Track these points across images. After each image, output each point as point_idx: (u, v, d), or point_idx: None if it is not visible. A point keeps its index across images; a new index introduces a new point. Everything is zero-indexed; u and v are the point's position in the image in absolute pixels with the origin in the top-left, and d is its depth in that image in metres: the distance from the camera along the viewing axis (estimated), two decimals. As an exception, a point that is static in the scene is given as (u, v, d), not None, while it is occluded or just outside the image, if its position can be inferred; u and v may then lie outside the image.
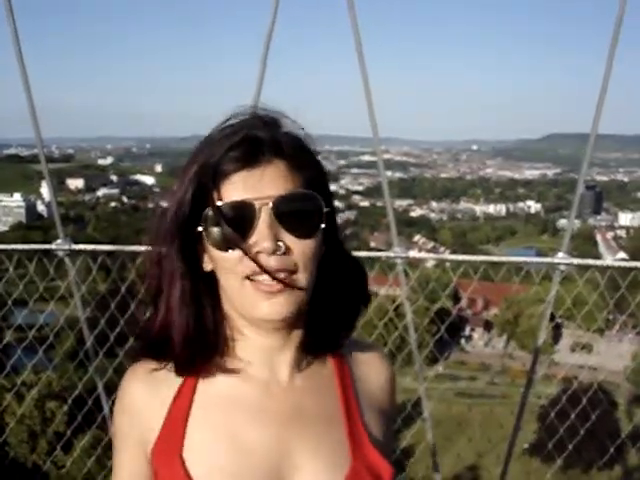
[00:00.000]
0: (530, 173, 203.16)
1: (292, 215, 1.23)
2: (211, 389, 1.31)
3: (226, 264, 1.24)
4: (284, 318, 1.25)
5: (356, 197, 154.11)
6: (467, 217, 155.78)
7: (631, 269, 4.02)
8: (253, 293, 1.23)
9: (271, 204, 1.21)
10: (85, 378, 4.56)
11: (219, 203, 1.21)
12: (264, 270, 1.20)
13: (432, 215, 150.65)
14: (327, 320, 1.35)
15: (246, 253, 1.21)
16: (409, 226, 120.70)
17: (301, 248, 1.24)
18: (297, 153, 1.27)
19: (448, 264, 4.44)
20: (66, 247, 3.87)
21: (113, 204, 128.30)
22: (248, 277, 1.23)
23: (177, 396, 1.30)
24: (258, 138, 1.24)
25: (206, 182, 1.22)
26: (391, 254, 3.92)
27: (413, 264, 4.96)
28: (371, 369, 1.44)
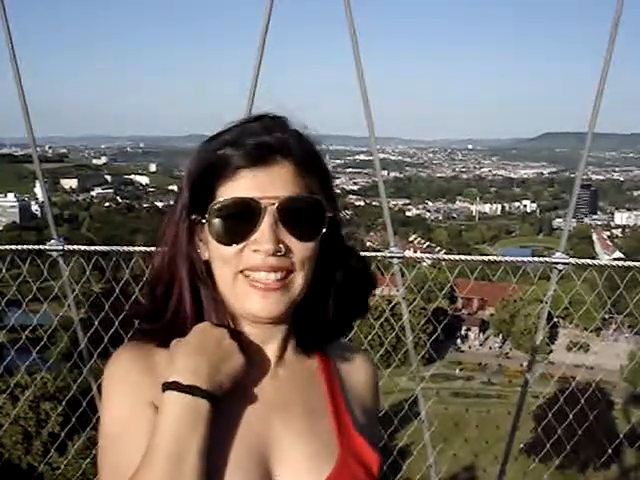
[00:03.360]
0: (525, 172, 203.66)
1: (295, 217, 1.25)
2: None
3: (224, 257, 1.26)
4: (274, 316, 1.27)
5: (352, 197, 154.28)
6: (463, 217, 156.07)
7: (628, 268, 4.01)
8: (246, 288, 1.25)
9: (277, 204, 1.23)
10: (79, 380, 4.53)
11: (225, 197, 1.24)
12: (260, 267, 1.23)
13: (428, 214, 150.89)
14: (317, 318, 1.36)
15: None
16: (405, 226, 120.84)
17: (300, 250, 1.26)
18: (305, 156, 1.29)
19: (444, 264, 4.41)
20: (59, 247, 3.84)
21: (107, 204, 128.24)
22: (242, 271, 1.25)
23: None
24: (269, 138, 1.26)
25: (213, 174, 1.25)
26: (387, 254, 3.90)
27: (409, 264, 4.94)
28: (355, 369, 1.46)
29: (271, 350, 1.34)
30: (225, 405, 1.25)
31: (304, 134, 1.32)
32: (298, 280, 1.27)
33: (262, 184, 1.23)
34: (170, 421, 1.18)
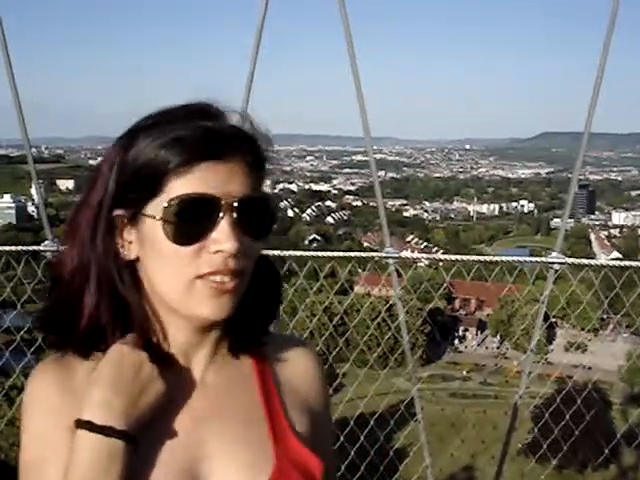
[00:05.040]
0: (523, 172, 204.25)
1: (253, 216, 1.17)
2: None
3: (177, 259, 1.15)
4: (224, 319, 1.19)
5: (349, 197, 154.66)
6: (460, 217, 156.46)
7: (625, 268, 4.00)
8: (201, 292, 1.16)
9: (236, 203, 1.15)
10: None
11: (179, 192, 1.13)
12: (220, 271, 1.15)
13: (425, 215, 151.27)
14: (245, 319, 1.28)
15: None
16: (402, 226, 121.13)
17: (253, 250, 1.20)
18: (257, 150, 1.21)
19: (441, 264, 4.41)
20: (54, 248, 3.82)
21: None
22: (199, 276, 1.16)
23: None
24: (221, 130, 1.17)
25: (159, 169, 1.14)
26: (383, 254, 3.89)
27: (406, 264, 4.93)
28: (296, 366, 1.38)
29: (200, 356, 1.27)
30: (149, 425, 1.17)
31: (254, 129, 1.23)
32: (244, 282, 1.19)
33: (220, 179, 1.14)
34: (81, 463, 1.10)
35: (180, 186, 1.13)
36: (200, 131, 1.15)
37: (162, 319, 1.23)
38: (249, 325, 1.30)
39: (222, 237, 1.14)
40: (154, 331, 1.23)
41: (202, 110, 1.20)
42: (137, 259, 1.20)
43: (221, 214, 1.14)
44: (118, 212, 1.17)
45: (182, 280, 1.16)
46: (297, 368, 1.38)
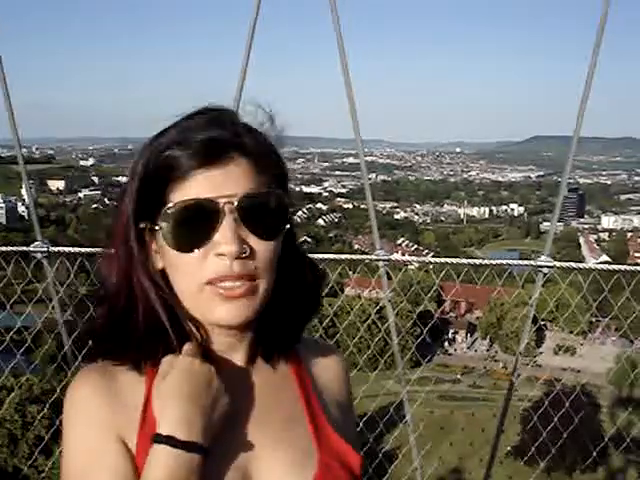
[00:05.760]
0: (513, 176, 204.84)
1: (257, 215, 1.17)
2: None
3: (184, 267, 1.17)
4: (240, 323, 1.19)
5: (340, 199, 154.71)
6: (451, 220, 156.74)
7: (614, 272, 4.01)
8: (212, 298, 1.17)
9: (236, 203, 1.15)
10: (64, 382, 4.50)
11: (178, 200, 1.14)
12: (226, 277, 1.15)
13: (416, 217, 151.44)
14: (280, 320, 1.29)
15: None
16: (393, 229, 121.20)
17: (264, 250, 1.18)
18: (260, 151, 1.20)
19: (431, 267, 4.41)
20: (44, 249, 3.80)
21: (94, 206, 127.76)
22: (208, 282, 1.16)
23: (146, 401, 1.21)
24: (219, 132, 1.17)
25: (163, 178, 1.16)
26: (374, 257, 3.89)
27: (396, 267, 4.94)
28: (328, 369, 1.42)
29: (239, 358, 1.28)
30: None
31: (260, 130, 1.23)
32: (263, 283, 1.19)
33: (217, 183, 1.14)
34: (160, 478, 1.10)
35: (180, 195, 1.15)
36: (194, 138, 1.16)
37: (198, 325, 1.24)
38: (283, 327, 1.30)
39: (223, 239, 1.14)
40: (199, 337, 1.24)
41: (206, 116, 1.21)
42: (165, 269, 1.23)
43: (221, 216, 1.15)
44: (142, 224, 1.20)
45: (193, 287, 1.18)
46: (329, 370, 1.42)
